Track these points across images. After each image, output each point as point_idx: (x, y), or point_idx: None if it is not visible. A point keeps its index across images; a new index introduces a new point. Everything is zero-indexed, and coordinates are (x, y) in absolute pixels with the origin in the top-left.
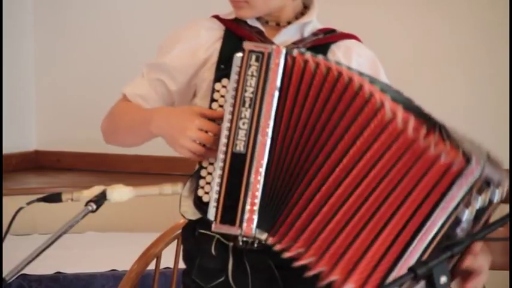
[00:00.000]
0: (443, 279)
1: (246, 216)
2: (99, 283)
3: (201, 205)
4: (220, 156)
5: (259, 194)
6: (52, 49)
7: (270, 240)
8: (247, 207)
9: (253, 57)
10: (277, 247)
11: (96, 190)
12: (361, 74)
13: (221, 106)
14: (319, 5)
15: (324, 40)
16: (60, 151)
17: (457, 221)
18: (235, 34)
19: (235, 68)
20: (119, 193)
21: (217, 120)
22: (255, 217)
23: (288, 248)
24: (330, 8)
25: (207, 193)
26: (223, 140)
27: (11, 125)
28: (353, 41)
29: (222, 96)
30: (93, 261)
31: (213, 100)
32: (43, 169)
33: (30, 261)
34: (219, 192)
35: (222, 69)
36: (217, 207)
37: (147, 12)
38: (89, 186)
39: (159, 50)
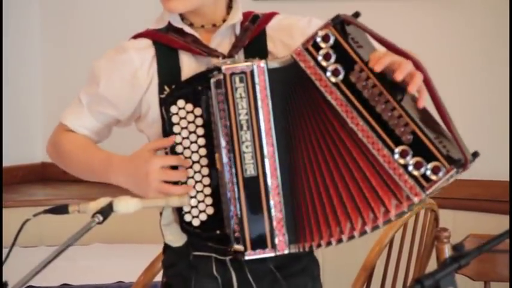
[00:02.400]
0: None
1: (277, 236)
2: None
3: (192, 230)
4: (229, 184)
5: (283, 212)
6: (59, 60)
7: (301, 248)
8: (276, 227)
9: (237, 79)
10: (306, 248)
11: (102, 202)
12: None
13: (184, 128)
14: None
15: (256, 31)
16: None
17: None
18: (169, 47)
19: (216, 93)
20: (126, 205)
21: (168, 145)
22: (285, 235)
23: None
24: (327, 4)
25: (195, 217)
26: (227, 167)
27: (18, 137)
28: (278, 17)
29: (182, 118)
30: (99, 273)
31: (173, 124)
32: (50, 181)
33: (37, 273)
34: (241, 220)
35: (171, 91)
36: (243, 236)
37: None
38: (95, 198)
39: (95, 78)
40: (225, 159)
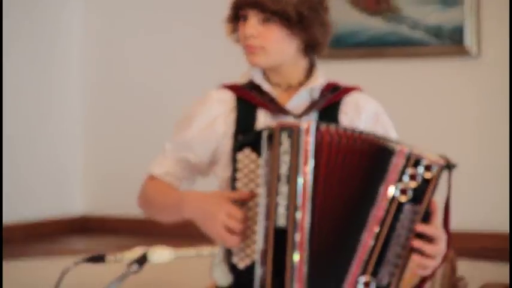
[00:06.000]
0: None
1: None
2: None
3: (237, 272)
4: (262, 231)
5: (305, 268)
6: (102, 114)
7: None
8: (295, 283)
9: (285, 134)
10: None
11: (137, 251)
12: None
13: (246, 175)
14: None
15: (332, 99)
16: (106, 215)
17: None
18: (248, 102)
19: (265, 145)
20: (160, 254)
21: (245, 199)
22: None
23: None
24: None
25: (241, 260)
26: (261, 215)
27: (59, 190)
28: (357, 94)
29: (246, 165)
30: None
31: (236, 170)
32: (89, 232)
33: None
34: (265, 269)
35: (241, 139)
36: (264, 285)
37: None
38: (132, 247)
39: (177, 127)
40: (260, 207)
